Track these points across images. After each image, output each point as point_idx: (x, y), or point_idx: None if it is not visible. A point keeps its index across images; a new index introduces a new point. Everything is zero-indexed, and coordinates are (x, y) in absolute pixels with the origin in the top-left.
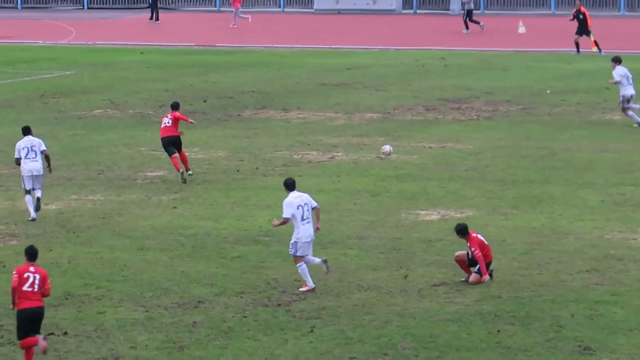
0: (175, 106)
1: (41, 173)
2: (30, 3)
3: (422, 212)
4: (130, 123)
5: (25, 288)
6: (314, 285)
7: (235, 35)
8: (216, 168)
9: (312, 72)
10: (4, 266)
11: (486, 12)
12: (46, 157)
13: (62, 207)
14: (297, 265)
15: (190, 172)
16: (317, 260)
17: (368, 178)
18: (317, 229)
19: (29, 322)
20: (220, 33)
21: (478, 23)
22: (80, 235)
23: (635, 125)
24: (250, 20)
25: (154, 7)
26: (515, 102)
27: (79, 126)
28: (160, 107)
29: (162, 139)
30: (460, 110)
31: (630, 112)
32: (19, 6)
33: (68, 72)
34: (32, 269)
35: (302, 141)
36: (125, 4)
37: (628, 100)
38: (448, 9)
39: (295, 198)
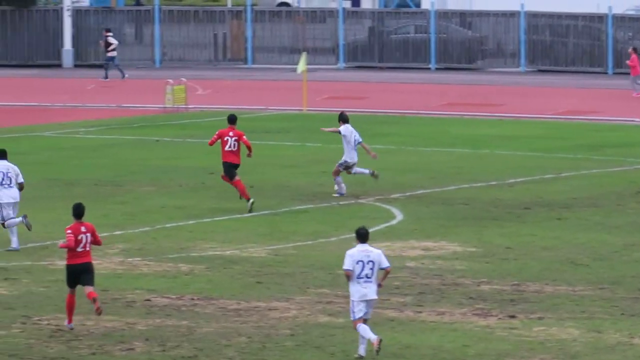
0: (233, 120)
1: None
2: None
3: None
4: None
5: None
6: (376, 337)
7: None
8: None
9: None
10: None
11: None
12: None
13: None
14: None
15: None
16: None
17: None
18: (379, 285)
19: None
20: None
21: None
22: None
23: (337, 195)
24: None
25: None
26: None
27: None
28: None
29: (225, 163)
30: None
31: (339, 179)
32: (522, 67)
33: None
34: (83, 228)
35: None
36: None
37: (348, 167)
38: None
39: (361, 251)
